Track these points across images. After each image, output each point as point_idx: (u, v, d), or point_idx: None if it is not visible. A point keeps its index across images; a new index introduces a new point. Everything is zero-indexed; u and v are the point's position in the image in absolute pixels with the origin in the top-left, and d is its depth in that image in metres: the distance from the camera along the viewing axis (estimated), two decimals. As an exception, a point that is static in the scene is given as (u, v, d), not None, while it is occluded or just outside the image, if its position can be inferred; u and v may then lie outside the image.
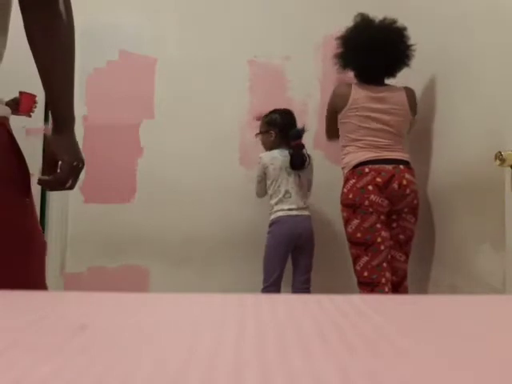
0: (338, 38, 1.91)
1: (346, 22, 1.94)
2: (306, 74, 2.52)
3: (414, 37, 1.91)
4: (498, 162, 1.18)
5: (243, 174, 2.42)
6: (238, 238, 2.38)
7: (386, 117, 1.81)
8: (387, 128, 1.81)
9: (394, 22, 1.82)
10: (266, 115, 2.24)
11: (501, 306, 0.32)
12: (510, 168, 1.19)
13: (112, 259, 2.40)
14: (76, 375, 0.18)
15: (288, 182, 2.15)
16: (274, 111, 2.24)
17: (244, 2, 2.57)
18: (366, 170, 1.76)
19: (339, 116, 1.88)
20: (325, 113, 2.03)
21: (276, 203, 2.16)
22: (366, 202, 1.72)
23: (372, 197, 1.72)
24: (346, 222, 1.79)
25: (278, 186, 2.16)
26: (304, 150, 2.14)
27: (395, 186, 1.74)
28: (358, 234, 1.73)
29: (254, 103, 2.53)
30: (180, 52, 2.55)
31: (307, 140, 2.51)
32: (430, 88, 1.92)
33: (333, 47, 1.99)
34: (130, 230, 2.44)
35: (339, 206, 1.85)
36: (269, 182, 2.19)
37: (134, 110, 2.50)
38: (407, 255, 1.84)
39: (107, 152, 2.40)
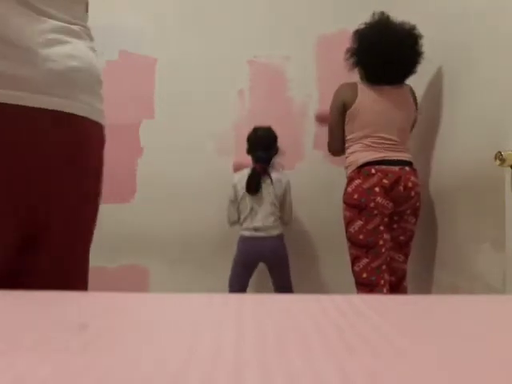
0: (354, 33, 1.85)
1: (346, 21, 1.94)
2: (305, 74, 2.52)
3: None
4: (498, 161, 1.18)
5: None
6: (237, 237, 2.38)
7: (393, 114, 1.79)
8: (394, 126, 1.79)
9: (413, 28, 1.78)
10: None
11: (501, 305, 0.32)
12: (509, 168, 1.19)
13: (112, 259, 2.40)
14: (76, 375, 0.18)
15: (254, 199, 2.15)
16: (254, 128, 2.25)
17: (244, 2, 2.57)
18: (373, 170, 1.72)
19: (348, 112, 1.82)
20: (326, 113, 2.00)
21: (244, 219, 2.17)
22: (372, 204, 1.69)
23: (378, 199, 1.69)
24: (349, 222, 1.75)
25: (245, 203, 2.17)
26: (262, 176, 2.14)
27: (401, 188, 1.72)
28: (361, 236, 1.71)
29: (254, 103, 2.53)
30: (180, 52, 2.55)
31: (307, 140, 2.51)
32: (430, 88, 1.92)
33: (333, 46, 1.99)
34: (129, 230, 2.44)
35: (339, 206, 1.84)
36: (238, 201, 2.20)
37: (133, 109, 2.51)
38: (406, 256, 1.83)
39: (107, 152, 2.40)
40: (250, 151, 2.23)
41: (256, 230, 2.13)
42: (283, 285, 2.18)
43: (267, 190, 2.16)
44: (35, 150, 0.68)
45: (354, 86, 1.83)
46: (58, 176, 0.72)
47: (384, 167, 1.73)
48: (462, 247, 1.60)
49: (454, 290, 1.63)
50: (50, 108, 0.68)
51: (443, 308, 0.30)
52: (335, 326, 0.24)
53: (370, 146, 1.77)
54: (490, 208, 1.39)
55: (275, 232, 2.15)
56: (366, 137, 1.78)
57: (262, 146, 2.19)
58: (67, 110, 0.71)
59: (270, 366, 0.19)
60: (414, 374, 0.18)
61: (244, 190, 2.15)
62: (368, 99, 1.79)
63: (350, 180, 1.78)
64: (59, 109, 0.69)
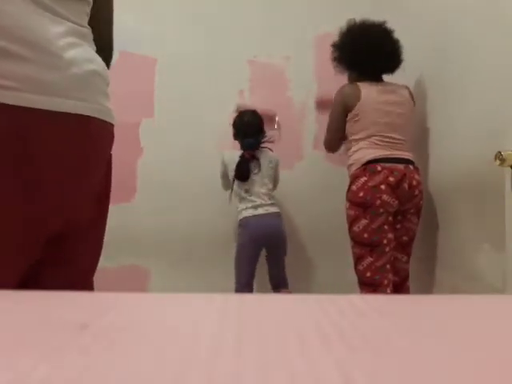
0: (333, 45, 1.92)
1: (345, 21, 1.94)
2: (306, 73, 2.52)
3: (413, 35, 1.91)
4: (498, 161, 1.18)
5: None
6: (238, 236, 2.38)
7: (398, 110, 1.80)
8: (397, 124, 1.79)
9: (383, 23, 1.85)
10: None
11: (501, 305, 0.32)
12: (509, 168, 1.19)
13: (112, 259, 2.40)
14: (76, 375, 0.18)
15: (247, 182, 2.17)
16: (239, 113, 2.26)
17: (244, 2, 2.57)
18: (379, 168, 1.71)
19: (351, 114, 1.81)
20: (325, 113, 2.00)
21: (240, 202, 2.19)
22: (378, 202, 1.68)
23: (384, 196, 1.68)
24: (353, 220, 1.73)
25: (239, 186, 2.18)
26: (250, 163, 2.16)
27: (406, 186, 1.72)
28: (365, 235, 1.69)
29: (254, 103, 2.53)
30: (180, 52, 2.55)
31: (307, 139, 2.51)
32: (430, 87, 1.92)
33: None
34: (130, 230, 2.44)
35: (339, 206, 1.84)
36: (231, 181, 2.22)
37: (133, 109, 2.50)
38: (409, 256, 1.83)
39: (107, 152, 2.40)
40: (236, 137, 2.25)
41: (255, 208, 2.15)
42: (279, 264, 2.21)
43: (259, 173, 2.18)
44: (58, 153, 0.69)
45: (355, 87, 1.83)
46: (79, 177, 0.73)
47: (389, 165, 1.72)
48: (462, 247, 1.60)
49: (454, 289, 1.63)
50: (71, 111, 0.70)
51: (443, 308, 0.30)
52: (335, 326, 0.24)
53: (375, 143, 1.76)
54: (490, 208, 1.39)
55: (274, 210, 2.18)
56: (371, 136, 1.78)
57: (250, 132, 2.20)
58: (86, 112, 0.72)
59: (270, 366, 0.19)
60: (414, 374, 0.18)
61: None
62: (371, 99, 1.79)
63: (355, 178, 1.76)
64: (79, 112, 0.71)
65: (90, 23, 0.82)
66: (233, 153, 2.22)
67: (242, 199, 2.18)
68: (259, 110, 2.31)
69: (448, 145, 1.74)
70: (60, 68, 0.69)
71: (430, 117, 1.91)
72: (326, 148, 1.98)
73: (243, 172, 2.15)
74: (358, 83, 1.84)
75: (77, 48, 0.73)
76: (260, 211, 2.14)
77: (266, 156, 2.22)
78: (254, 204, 2.15)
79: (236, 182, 2.19)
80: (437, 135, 1.87)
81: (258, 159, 2.18)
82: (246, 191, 2.17)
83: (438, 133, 1.85)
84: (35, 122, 0.66)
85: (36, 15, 0.67)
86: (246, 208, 2.16)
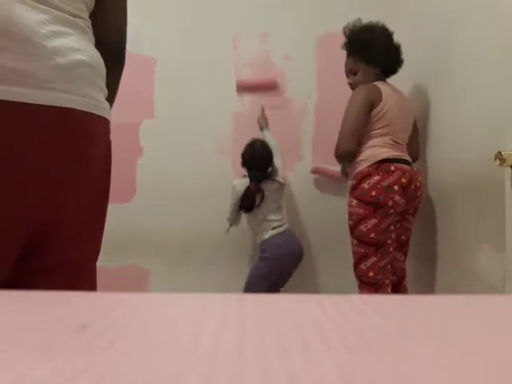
0: (354, 39, 1.89)
1: (346, 21, 1.94)
2: (305, 74, 2.52)
3: (414, 34, 1.90)
4: (498, 161, 1.18)
5: (244, 174, 2.43)
6: (238, 237, 2.39)
7: (408, 114, 1.82)
8: (408, 128, 1.82)
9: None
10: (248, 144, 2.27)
11: (501, 305, 0.32)
12: (510, 168, 1.19)
13: (112, 259, 2.40)
14: (76, 375, 0.18)
15: (262, 207, 2.17)
16: (250, 146, 2.24)
17: (244, 3, 2.57)
18: (392, 168, 1.70)
19: (374, 111, 1.76)
20: (325, 113, 1.99)
21: (257, 225, 2.19)
22: (390, 203, 1.66)
23: (396, 197, 1.68)
24: (362, 219, 1.69)
25: (255, 213, 2.18)
26: (257, 194, 2.15)
27: (413, 187, 1.73)
28: (372, 234, 1.68)
29: (254, 103, 2.53)
30: (180, 52, 2.55)
31: (307, 140, 2.51)
32: (430, 88, 1.92)
33: (332, 46, 1.99)
34: (130, 230, 2.44)
35: (339, 206, 1.84)
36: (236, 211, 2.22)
37: (134, 109, 2.51)
38: (406, 255, 1.86)
39: (107, 152, 2.40)
40: (244, 166, 2.25)
41: (274, 229, 2.15)
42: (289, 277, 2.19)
43: (265, 204, 2.17)
44: (36, 150, 0.64)
45: (374, 85, 1.80)
46: (62, 175, 0.68)
47: (401, 165, 1.72)
48: (462, 247, 1.60)
49: (454, 290, 1.63)
50: (54, 104, 0.64)
51: (443, 308, 0.30)
52: (335, 326, 0.24)
53: (388, 143, 1.76)
54: (489, 208, 1.39)
55: (288, 226, 2.20)
56: (386, 134, 1.76)
57: (257, 166, 2.20)
58: (72, 105, 0.67)
59: (270, 366, 0.19)
60: (414, 374, 0.18)
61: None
62: (391, 99, 1.79)
63: (366, 175, 1.71)
64: (63, 105, 0.66)
65: (97, 31, 0.77)
66: (244, 181, 2.21)
67: (258, 224, 2.19)
68: (261, 80, 2.35)
69: (448, 145, 1.74)
70: (42, 57, 0.63)
71: (430, 117, 1.91)
72: (339, 155, 1.78)
73: (247, 204, 2.16)
74: (374, 83, 1.81)
75: (63, 37, 0.67)
76: (281, 229, 2.16)
77: (272, 187, 2.20)
78: (274, 225, 2.17)
79: (249, 213, 2.20)
80: (437, 135, 1.87)
81: (263, 191, 2.17)
82: (264, 218, 2.18)
83: (438, 133, 1.85)
84: (12, 115, 0.60)
85: (14, 1, 0.62)
86: (266, 230, 2.16)
